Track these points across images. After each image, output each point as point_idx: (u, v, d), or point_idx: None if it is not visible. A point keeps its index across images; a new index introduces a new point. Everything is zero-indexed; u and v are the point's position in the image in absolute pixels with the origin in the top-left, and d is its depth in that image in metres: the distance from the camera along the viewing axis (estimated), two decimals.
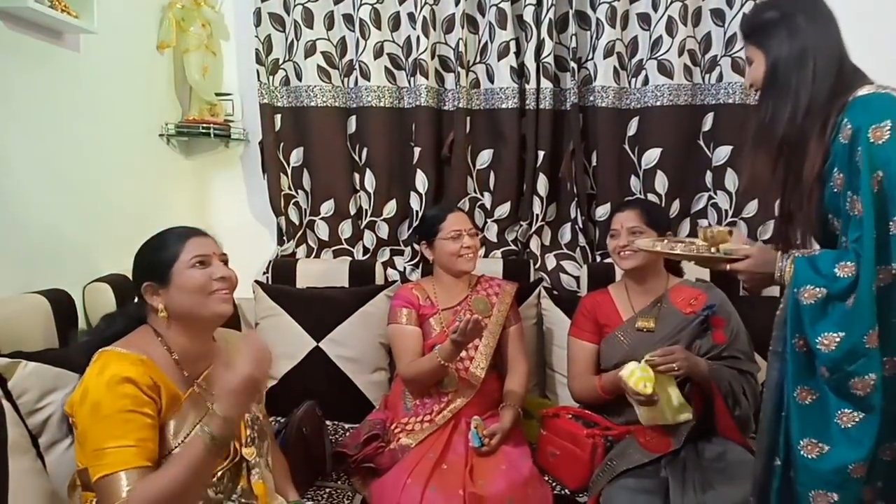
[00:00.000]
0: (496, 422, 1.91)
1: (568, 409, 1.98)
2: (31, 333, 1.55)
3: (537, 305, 2.31)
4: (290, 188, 2.52)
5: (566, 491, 1.86)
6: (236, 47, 2.52)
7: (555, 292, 2.38)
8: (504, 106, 2.40)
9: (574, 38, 2.35)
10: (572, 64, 2.35)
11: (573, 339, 2.05)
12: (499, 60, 2.38)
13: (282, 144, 2.49)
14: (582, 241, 2.46)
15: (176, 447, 1.27)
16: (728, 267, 1.39)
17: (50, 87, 1.78)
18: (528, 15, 2.32)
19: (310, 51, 2.44)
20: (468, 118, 2.42)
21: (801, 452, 1.30)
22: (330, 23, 2.44)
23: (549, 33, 2.31)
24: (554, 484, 1.87)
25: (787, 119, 1.35)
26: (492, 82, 2.42)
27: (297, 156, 2.51)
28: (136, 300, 1.42)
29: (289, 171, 2.51)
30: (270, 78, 2.46)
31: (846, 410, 1.27)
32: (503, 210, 2.47)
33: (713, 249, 1.46)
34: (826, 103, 1.32)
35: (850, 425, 1.27)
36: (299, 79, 2.47)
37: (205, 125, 2.39)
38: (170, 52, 2.36)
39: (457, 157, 2.44)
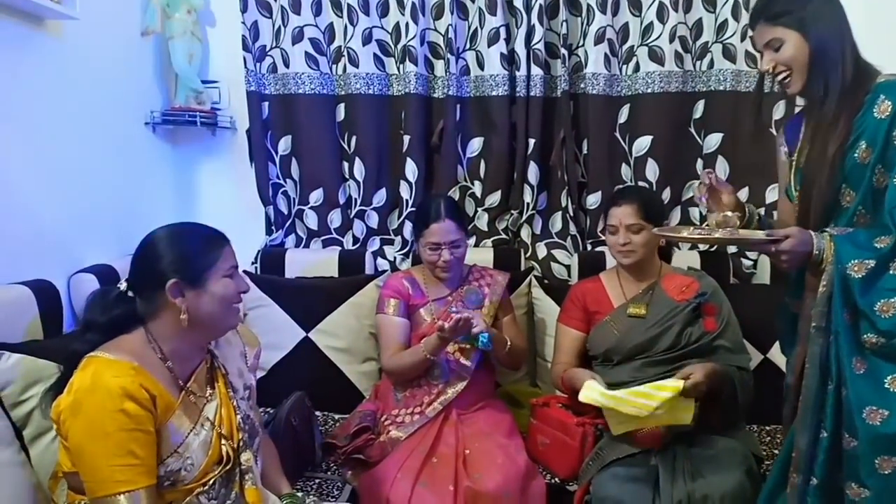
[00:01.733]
0: (484, 414, 1.91)
1: (558, 399, 1.98)
2: (15, 324, 1.53)
3: (528, 294, 2.31)
4: (278, 177, 2.50)
5: (556, 479, 1.86)
6: (222, 34, 2.48)
7: (545, 281, 2.38)
8: (494, 93, 2.38)
9: (565, 24, 2.32)
10: (563, 51, 2.33)
11: (561, 326, 2.05)
12: (489, 47, 2.35)
13: (269, 133, 2.47)
14: (573, 229, 2.45)
15: (169, 456, 1.22)
16: (773, 248, 1.42)
17: (32, 75, 1.74)
18: (519, 1, 2.30)
19: (297, 37, 2.40)
20: (458, 106, 2.40)
21: (867, 421, 1.33)
22: (317, 9, 2.40)
23: (540, 19, 2.29)
24: (544, 472, 1.87)
25: (838, 92, 1.41)
26: (482, 69, 2.40)
27: (285, 144, 2.48)
28: (135, 292, 1.29)
29: (277, 160, 2.49)
30: (257, 65, 2.43)
31: (893, 376, 1.33)
32: (493, 199, 2.46)
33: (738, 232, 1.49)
34: (854, 80, 1.41)
35: None
36: (287, 66, 2.43)
37: (191, 113, 2.35)
38: (154, 38, 2.32)
39: (447, 146, 2.42)
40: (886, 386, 1.33)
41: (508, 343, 1.99)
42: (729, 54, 2.30)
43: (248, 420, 1.40)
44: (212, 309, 1.28)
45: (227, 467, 1.30)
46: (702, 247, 2.34)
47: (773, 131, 2.29)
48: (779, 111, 2.31)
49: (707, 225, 1.55)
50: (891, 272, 1.34)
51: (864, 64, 1.45)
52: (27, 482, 1.33)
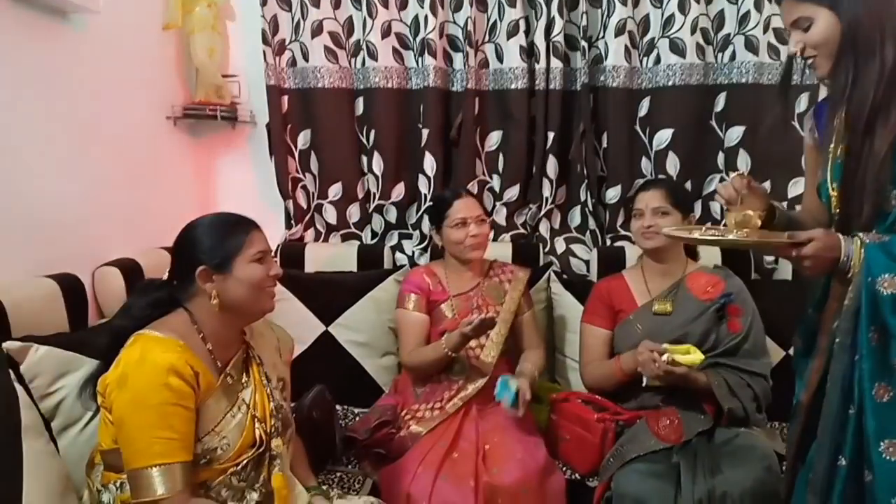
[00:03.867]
0: (504, 409, 1.91)
1: (578, 394, 1.97)
2: (42, 317, 1.56)
3: (547, 289, 2.30)
4: (297, 171, 2.50)
5: (576, 475, 1.86)
6: (242, 28, 2.49)
7: (564, 276, 2.37)
8: (513, 86, 2.37)
9: (584, 16, 2.30)
10: (583, 43, 2.31)
11: (586, 326, 2.03)
12: (508, 40, 2.34)
13: (289, 127, 2.47)
14: (592, 224, 2.44)
15: (206, 434, 1.27)
16: (794, 252, 1.27)
17: (54, 68, 1.76)
18: None
19: (316, 31, 2.40)
20: (477, 99, 2.39)
21: (884, 455, 1.20)
22: (336, 2, 2.40)
23: (560, 11, 2.28)
24: (564, 468, 1.87)
25: (874, 81, 1.24)
26: (501, 62, 2.39)
27: (304, 138, 2.49)
28: (173, 280, 1.38)
29: (296, 154, 2.49)
30: (277, 59, 2.43)
31: None
32: (512, 193, 2.45)
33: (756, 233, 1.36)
34: None
35: None
36: (306, 59, 2.44)
37: (211, 107, 2.37)
38: (175, 32, 2.33)
39: (465, 139, 2.42)
40: None
41: (536, 377, 1.96)
42: (751, 46, 2.27)
43: (282, 410, 1.44)
44: (240, 293, 1.33)
45: (260, 450, 1.35)
46: None
47: (796, 124, 2.26)
48: (801, 104, 2.27)
49: (725, 224, 1.41)
50: None
51: None
52: (57, 472, 1.35)
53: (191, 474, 1.23)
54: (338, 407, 2.01)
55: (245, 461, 1.32)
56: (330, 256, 2.41)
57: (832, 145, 1.37)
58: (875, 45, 1.24)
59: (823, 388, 1.35)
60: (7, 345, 1.38)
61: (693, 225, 1.50)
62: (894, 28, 1.25)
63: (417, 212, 2.49)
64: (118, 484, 1.29)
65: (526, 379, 1.86)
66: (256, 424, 1.35)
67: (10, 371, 1.36)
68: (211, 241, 1.33)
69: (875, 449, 1.21)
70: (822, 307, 1.40)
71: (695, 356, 1.72)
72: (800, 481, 1.43)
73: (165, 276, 1.41)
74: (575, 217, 2.47)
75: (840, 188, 1.34)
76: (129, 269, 1.87)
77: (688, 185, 2.37)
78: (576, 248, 2.42)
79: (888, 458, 1.21)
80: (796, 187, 2.28)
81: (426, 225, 2.45)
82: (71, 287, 1.66)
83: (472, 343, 1.95)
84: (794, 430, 1.45)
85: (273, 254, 2.42)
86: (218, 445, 1.28)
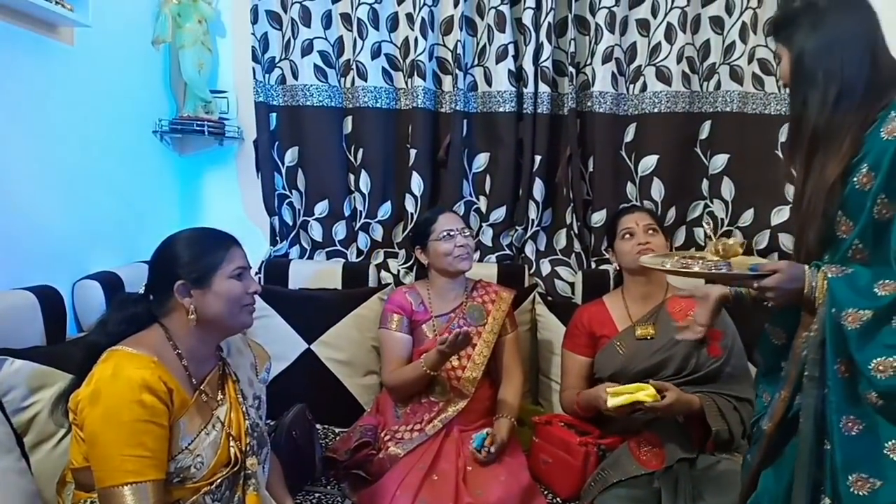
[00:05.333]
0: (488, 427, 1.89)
1: (561, 417, 1.97)
2: (18, 330, 1.53)
3: (531, 311, 2.30)
4: (284, 188, 2.50)
5: (557, 499, 1.84)
6: (232, 44, 2.50)
7: (549, 298, 2.37)
8: (501, 109, 2.39)
9: (573, 42, 2.34)
10: (570, 69, 2.34)
11: (566, 352, 2.03)
12: (497, 63, 2.36)
13: (276, 143, 2.47)
14: (577, 246, 2.45)
15: (179, 452, 1.25)
16: (756, 284, 1.28)
17: (42, 81, 1.75)
18: (528, 18, 2.31)
19: (307, 49, 2.42)
20: (465, 121, 2.41)
21: (851, 489, 1.18)
22: (327, 22, 2.42)
23: (548, 37, 2.31)
24: (545, 492, 1.86)
25: (816, 111, 1.27)
26: (489, 85, 2.41)
27: (291, 155, 2.49)
28: (150, 294, 1.37)
29: (283, 171, 2.49)
30: (266, 76, 2.44)
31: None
32: (498, 214, 2.46)
33: (724, 264, 1.36)
34: (865, 95, 1.25)
35: None
36: (295, 77, 2.44)
37: (199, 122, 2.36)
38: (165, 47, 2.34)
39: (453, 160, 2.43)
40: (886, 451, 1.17)
41: (514, 422, 1.97)
42: (736, 76, 2.31)
43: (257, 428, 1.43)
44: (218, 309, 1.32)
45: (234, 469, 1.33)
46: None
47: (780, 153, 2.30)
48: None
49: (708, 250, 1.42)
50: (893, 325, 1.17)
51: (887, 74, 1.28)
52: (27, 489, 1.32)
53: (163, 493, 1.21)
54: (318, 426, 1.99)
55: (219, 480, 1.30)
56: (314, 274, 2.40)
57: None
58: (816, 78, 1.27)
59: (788, 418, 1.34)
60: None
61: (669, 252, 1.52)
62: (839, 66, 1.26)
63: (404, 231, 2.49)
64: (89, 503, 1.26)
65: (504, 426, 1.90)
66: (231, 443, 1.34)
67: None
68: (190, 256, 1.33)
69: (843, 483, 1.20)
70: (782, 324, 1.41)
71: (647, 388, 1.72)
72: None
73: (142, 291, 1.39)
74: (560, 240, 2.49)
75: (793, 214, 1.38)
76: (110, 283, 1.84)
77: (671, 210, 2.39)
78: (561, 270, 2.43)
79: (856, 492, 1.19)
80: (779, 215, 2.30)
81: (410, 240, 2.44)
82: (49, 300, 1.63)
83: (454, 364, 1.94)
84: (754, 457, 1.43)
85: (257, 270, 2.42)
86: (192, 464, 1.26)
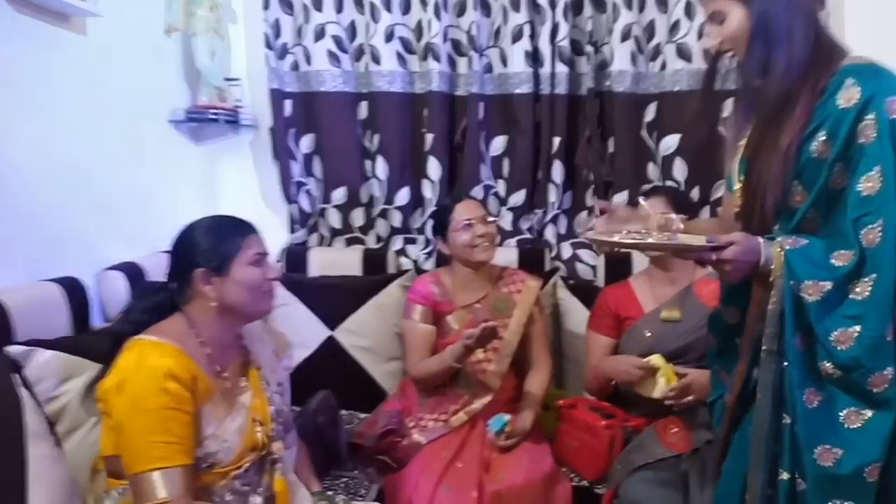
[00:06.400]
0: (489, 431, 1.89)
1: (585, 401, 1.96)
2: (45, 321, 1.53)
3: (553, 295, 2.28)
4: (301, 175, 2.49)
5: (584, 482, 1.84)
6: (245, 31, 2.48)
7: (571, 282, 2.35)
8: (518, 91, 2.36)
9: (590, 21, 2.30)
10: (588, 48, 2.31)
11: (591, 333, 2.02)
12: (513, 44, 2.33)
13: (292, 131, 2.45)
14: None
15: (206, 438, 1.26)
16: (714, 256, 1.23)
17: (56, 72, 1.74)
18: None
19: (319, 35, 2.39)
20: (481, 104, 2.38)
21: (818, 461, 1.19)
22: (339, 6, 2.39)
23: (565, 16, 2.27)
24: (571, 475, 1.85)
25: (783, 71, 1.23)
26: (505, 66, 2.38)
27: (307, 142, 2.47)
28: (171, 283, 1.37)
29: (300, 158, 2.48)
30: (280, 62, 2.42)
31: (852, 409, 1.18)
32: (518, 198, 2.43)
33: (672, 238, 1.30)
34: (814, 59, 1.24)
35: (857, 425, 1.18)
36: (309, 63, 2.42)
37: (214, 111, 2.35)
38: (177, 36, 2.32)
39: (470, 144, 2.41)
40: (841, 420, 1.18)
41: (539, 410, 1.94)
42: None
43: (283, 413, 1.44)
44: (239, 296, 1.33)
45: (262, 454, 1.34)
46: None
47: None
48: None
49: (644, 229, 1.34)
50: (851, 296, 1.17)
51: (827, 42, 1.27)
52: (62, 476, 1.33)
53: (192, 479, 1.22)
54: (343, 412, 1.99)
55: (247, 465, 1.31)
56: (334, 261, 2.40)
57: (743, 141, 1.36)
58: (782, 37, 1.23)
59: (745, 393, 1.34)
60: (10, 349, 1.36)
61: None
62: (806, 19, 1.25)
63: (422, 216, 2.48)
64: (120, 491, 1.27)
65: (528, 415, 1.87)
66: (257, 428, 1.35)
67: (16, 375, 1.34)
68: (208, 244, 1.33)
69: (808, 456, 1.20)
70: (735, 303, 1.38)
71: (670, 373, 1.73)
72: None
73: (164, 280, 1.40)
74: (581, 222, 2.46)
75: (742, 182, 1.33)
76: (132, 273, 1.84)
77: (696, 190, 2.36)
78: (582, 253, 2.41)
79: (822, 463, 1.19)
80: None
81: (431, 229, 2.43)
82: (73, 291, 1.63)
83: (480, 356, 1.92)
84: (721, 431, 1.44)
85: (277, 258, 2.42)
86: (219, 449, 1.27)
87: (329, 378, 2.06)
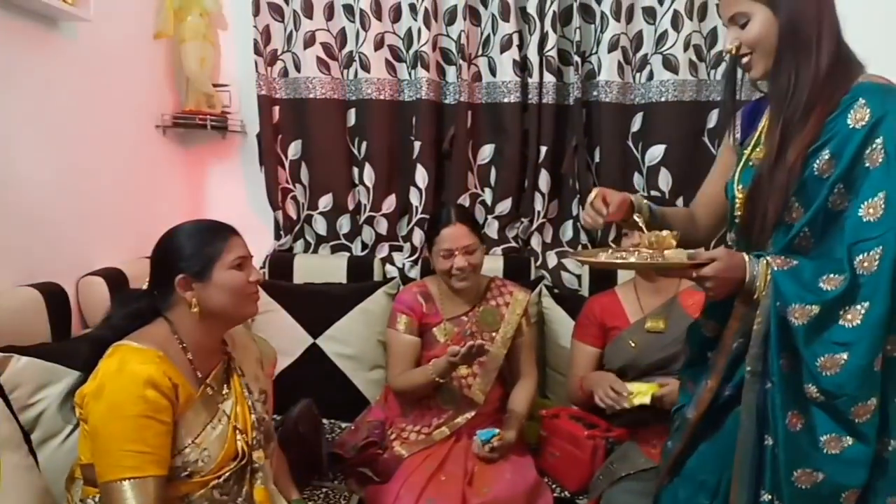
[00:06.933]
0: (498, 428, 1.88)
1: (568, 410, 1.96)
2: (24, 327, 1.53)
3: (538, 304, 2.28)
4: (287, 182, 2.48)
5: (566, 493, 1.84)
6: (234, 37, 2.48)
7: (556, 291, 2.35)
8: (506, 100, 2.36)
9: (578, 31, 2.30)
10: (576, 58, 2.31)
11: (576, 342, 2.01)
12: (501, 53, 2.34)
13: (280, 137, 2.45)
14: (584, 238, 2.43)
15: (186, 447, 1.25)
16: (694, 273, 1.21)
17: (44, 76, 1.74)
18: (532, 7, 2.28)
19: (309, 42, 2.39)
20: (469, 112, 2.38)
21: (795, 484, 1.18)
22: (329, 13, 2.39)
23: (553, 26, 2.28)
24: (553, 485, 1.85)
25: (809, 82, 1.18)
26: (494, 76, 2.38)
27: (295, 148, 2.47)
28: (153, 289, 1.36)
29: (286, 165, 2.47)
30: (269, 69, 2.42)
31: (833, 435, 1.16)
32: (504, 206, 2.44)
33: (661, 255, 1.27)
34: (834, 72, 1.19)
35: (836, 451, 1.16)
36: (298, 70, 2.42)
37: (201, 116, 2.35)
38: (166, 41, 2.32)
39: (457, 152, 2.41)
40: (821, 445, 1.16)
41: (524, 423, 1.94)
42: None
43: (264, 422, 1.42)
44: (221, 300, 1.31)
45: (242, 462, 1.33)
46: None
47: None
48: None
49: (633, 246, 1.32)
50: (841, 322, 1.14)
51: (846, 55, 1.22)
52: (35, 486, 1.32)
53: (165, 489, 1.20)
54: (325, 421, 1.99)
55: (227, 474, 1.30)
56: (319, 268, 2.39)
57: (749, 148, 1.32)
58: (812, 45, 1.19)
59: (714, 408, 1.32)
60: None
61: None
62: (830, 27, 1.21)
63: (408, 224, 2.47)
64: (97, 499, 1.26)
65: (513, 429, 1.86)
66: (238, 436, 1.33)
67: None
68: (189, 249, 1.32)
69: (787, 479, 1.19)
70: (715, 317, 1.36)
71: (647, 389, 1.73)
72: (666, 494, 1.42)
73: (146, 286, 1.39)
74: (567, 231, 2.47)
75: (748, 192, 1.28)
76: (114, 279, 1.84)
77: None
78: (567, 262, 2.41)
79: (800, 486, 1.18)
80: None
81: (417, 237, 2.43)
82: (54, 297, 1.63)
83: (464, 372, 1.92)
84: (676, 445, 1.40)
85: (261, 265, 2.42)
86: (199, 458, 1.26)
87: (311, 386, 2.06)
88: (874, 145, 1.14)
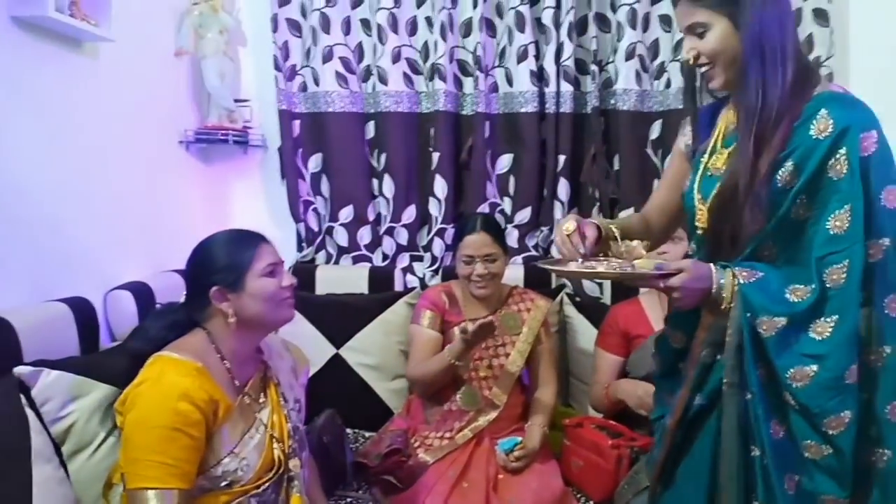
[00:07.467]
0: (520, 436, 1.87)
1: (592, 419, 1.95)
2: (53, 341, 1.54)
3: (560, 313, 2.28)
4: (308, 194, 2.51)
5: (591, 502, 1.82)
6: (254, 53, 2.52)
7: (577, 299, 2.35)
8: (523, 110, 2.38)
9: (594, 40, 2.32)
10: (593, 67, 2.32)
11: (599, 351, 2.01)
12: (518, 64, 2.35)
13: (300, 150, 2.48)
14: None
15: (224, 457, 1.25)
16: (662, 284, 1.20)
17: (69, 96, 1.77)
18: (547, 18, 2.30)
19: (327, 56, 2.43)
20: (487, 123, 2.40)
21: (788, 491, 1.18)
22: (347, 28, 2.43)
23: (569, 36, 2.29)
24: (578, 495, 1.84)
25: (779, 94, 1.17)
26: (511, 86, 2.40)
27: (315, 162, 2.50)
28: (188, 301, 1.37)
29: (307, 178, 2.50)
30: (288, 84, 2.45)
31: (812, 442, 1.16)
32: (523, 215, 2.44)
33: (630, 265, 1.26)
34: (797, 82, 1.18)
35: (817, 458, 1.16)
36: (317, 84, 2.46)
37: (223, 131, 2.38)
38: (188, 58, 2.36)
39: (476, 163, 2.42)
40: (804, 452, 1.16)
41: (546, 432, 1.93)
42: None
43: (298, 431, 1.43)
44: (256, 308, 1.32)
45: (279, 472, 1.33)
46: None
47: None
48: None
49: (602, 256, 1.31)
50: (810, 335, 1.14)
51: (805, 65, 1.23)
52: (66, 498, 1.33)
53: (189, 502, 1.20)
54: (348, 431, 1.99)
55: (266, 484, 1.30)
56: (341, 279, 2.40)
57: (705, 156, 1.30)
58: (777, 57, 1.18)
59: (686, 419, 1.31)
60: (18, 369, 1.37)
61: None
62: (793, 38, 1.21)
63: (428, 234, 2.49)
64: None
65: (536, 437, 1.85)
66: (275, 444, 1.34)
67: (22, 396, 1.35)
68: (220, 261, 1.33)
69: (780, 487, 1.18)
70: (682, 327, 1.35)
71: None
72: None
73: (182, 299, 1.41)
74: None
75: (715, 203, 1.25)
76: (141, 293, 1.86)
77: None
78: None
79: (789, 492, 1.18)
80: None
81: (437, 247, 2.44)
82: (82, 311, 1.65)
83: (485, 373, 1.93)
84: (660, 453, 1.39)
85: None
86: (238, 467, 1.26)
87: (335, 396, 2.07)
88: (838, 156, 1.14)
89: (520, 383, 2.01)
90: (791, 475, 1.18)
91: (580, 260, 1.28)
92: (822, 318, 1.15)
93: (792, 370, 1.14)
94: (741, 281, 1.18)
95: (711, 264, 1.21)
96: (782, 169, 1.17)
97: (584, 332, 2.18)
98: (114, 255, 1.94)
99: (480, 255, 1.91)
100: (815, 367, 1.13)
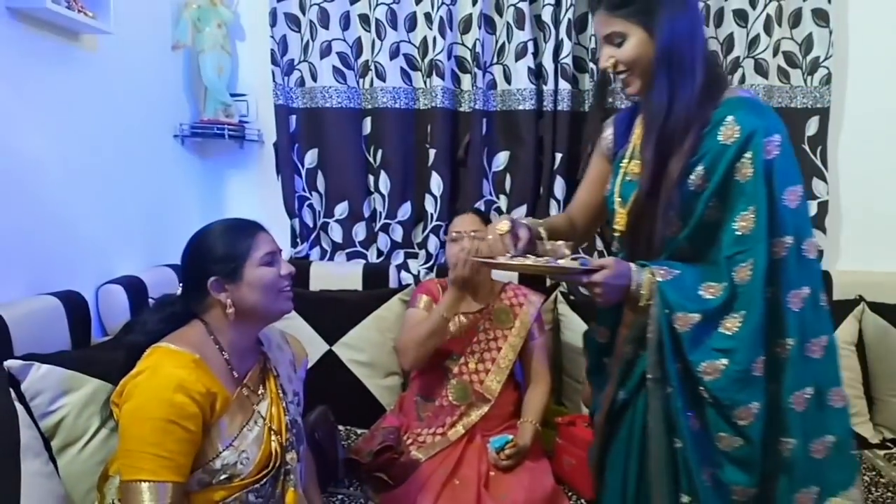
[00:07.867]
0: (512, 434, 1.87)
1: (584, 418, 1.94)
2: (44, 335, 1.55)
3: (554, 311, 2.28)
4: (304, 190, 2.51)
5: (582, 501, 1.82)
6: (251, 48, 2.51)
7: (572, 297, 2.34)
8: (521, 107, 2.37)
9: (593, 38, 2.31)
10: (591, 65, 2.32)
11: None
12: (516, 61, 2.35)
13: (296, 146, 2.48)
14: (599, 245, 2.42)
15: (224, 450, 1.24)
16: (585, 279, 1.24)
17: (66, 88, 1.77)
18: (547, 15, 2.29)
19: (325, 51, 2.42)
20: (484, 120, 2.39)
21: (707, 483, 1.23)
22: (346, 23, 2.42)
23: (568, 34, 2.28)
24: (570, 493, 1.84)
25: (686, 103, 1.22)
26: (509, 83, 2.39)
27: (311, 157, 2.49)
28: (186, 292, 1.36)
29: (303, 173, 2.50)
30: (286, 79, 2.45)
31: (723, 434, 1.22)
32: (519, 213, 2.43)
33: (554, 260, 1.30)
34: (707, 90, 1.24)
35: (728, 449, 1.22)
36: (314, 79, 2.45)
37: (219, 126, 2.38)
38: (185, 52, 2.36)
39: (473, 160, 2.42)
40: (716, 444, 1.22)
41: (539, 429, 1.92)
42: (761, 70, 2.27)
43: (296, 424, 1.42)
44: (255, 298, 1.30)
45: (276, 465, 1.32)
46: None
47: (806, 147, 2.27)
48: (811, 126, 2.27)
49: (530, 253, 1.34)
50: (721, 330, 1.20)
51: (714, 73, 1.28)
52: (55, 493, 1.33)
53: (182, 497, 1.20)
54: (340, 427, 1.99)
55: (263, 479, 1.29)
56: (335, 275, 2.40)
57: (625, 160, 1.35)
58: (687, 64, 1.23)
59: (612, 414, 1.37)
60: (8, 363, 1.37)
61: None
62: (702, 45, 1.26)
63: (423, 231, 2.48)
64: None
65: (528, 435, 1.85)
66: (272, 437, 1.33)
67: (11, 390, 1.35)
68: (217, 251, 1.30)
69: (699, 477, 1.23)
70: (607, 322, 1.42)
71: None
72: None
73: (179, 291, 1.39)
74: None
75: (632, 207, 1.31)
76: (134, 287, 1.86)
77: None
78: None
79: (709, 484, 1.23)
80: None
81: (432, 244, 2.44)
82: (74, 305, 1.65)
83: (477, 367, 1.92)
84: (594, 450, 1.46)
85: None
86: (238, 460, 1.25)
87: (327, 392, 2.06)
88: (744, 160, 1.19)
89: (513, 380, 2.00)
90: (709, 469, 1.23)
91: (509, 255, 1.33)
92: (731, 314, 1.21)
93: (704, 364, 1.20)
94: (658, 279, 1.23)
95: (631, 263, 1.26)
96: (693, 174, 1.23)
97: (578, 331, 2.17)
98: (107, 248, 1.94)
99: (468, 231, 1.92)
100: (725, 361, 1.19)
